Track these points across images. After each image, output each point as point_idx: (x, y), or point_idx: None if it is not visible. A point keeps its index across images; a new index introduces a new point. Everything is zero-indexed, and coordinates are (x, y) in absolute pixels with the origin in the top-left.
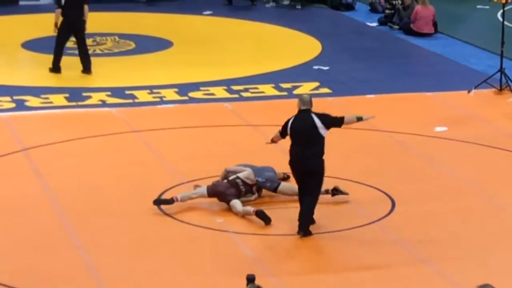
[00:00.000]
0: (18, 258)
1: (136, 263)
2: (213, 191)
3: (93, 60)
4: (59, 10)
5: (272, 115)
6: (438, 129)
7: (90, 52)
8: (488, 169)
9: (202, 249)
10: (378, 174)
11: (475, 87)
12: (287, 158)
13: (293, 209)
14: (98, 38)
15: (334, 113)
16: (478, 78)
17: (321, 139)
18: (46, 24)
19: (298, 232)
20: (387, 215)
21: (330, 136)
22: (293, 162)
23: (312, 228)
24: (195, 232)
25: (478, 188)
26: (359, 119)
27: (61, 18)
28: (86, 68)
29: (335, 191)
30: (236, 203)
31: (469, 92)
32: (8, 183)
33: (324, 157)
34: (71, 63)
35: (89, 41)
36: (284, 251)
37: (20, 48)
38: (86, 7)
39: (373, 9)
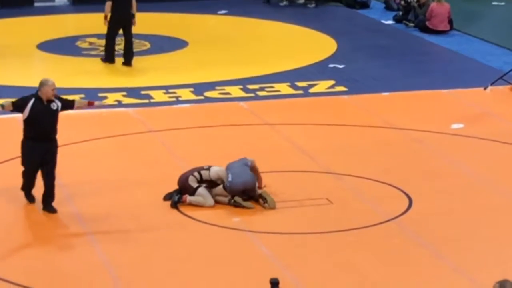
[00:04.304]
0: (35, 258)
1: (154, 262)
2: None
3: None
4: (110, 3)
5: (288, 114)
6: (454, 126)
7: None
8: (505, 166)
9: (220, 248)
10: (395, 171)
11: (491, 84)
12: (304, 156)
13: (309, 208)
14: None
15: (351, 111)
16: (494, 74)
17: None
18: (61, 25)
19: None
20: (404, 212)
21: (346, 133)
22: None
23: (330, 226)
24: (212, 231)
25: (495, 185)
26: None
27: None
28: (127, 61)
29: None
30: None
31: (485, 89)
32: None
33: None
34: (86, 64)
35: (104, 41)
36: (302, 249)
37: (36, 49)
38: (134, 1)
39: (388, 7)
